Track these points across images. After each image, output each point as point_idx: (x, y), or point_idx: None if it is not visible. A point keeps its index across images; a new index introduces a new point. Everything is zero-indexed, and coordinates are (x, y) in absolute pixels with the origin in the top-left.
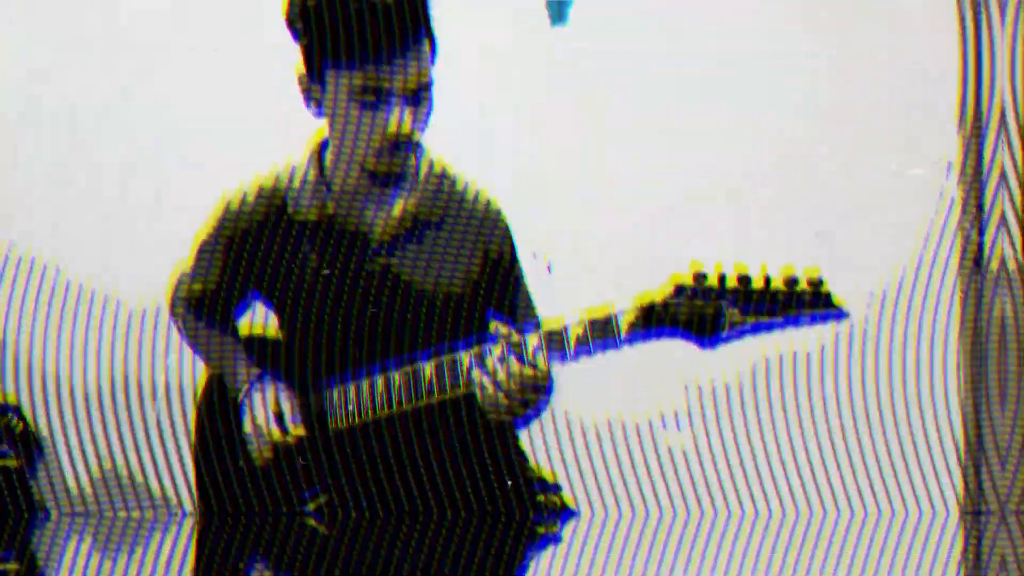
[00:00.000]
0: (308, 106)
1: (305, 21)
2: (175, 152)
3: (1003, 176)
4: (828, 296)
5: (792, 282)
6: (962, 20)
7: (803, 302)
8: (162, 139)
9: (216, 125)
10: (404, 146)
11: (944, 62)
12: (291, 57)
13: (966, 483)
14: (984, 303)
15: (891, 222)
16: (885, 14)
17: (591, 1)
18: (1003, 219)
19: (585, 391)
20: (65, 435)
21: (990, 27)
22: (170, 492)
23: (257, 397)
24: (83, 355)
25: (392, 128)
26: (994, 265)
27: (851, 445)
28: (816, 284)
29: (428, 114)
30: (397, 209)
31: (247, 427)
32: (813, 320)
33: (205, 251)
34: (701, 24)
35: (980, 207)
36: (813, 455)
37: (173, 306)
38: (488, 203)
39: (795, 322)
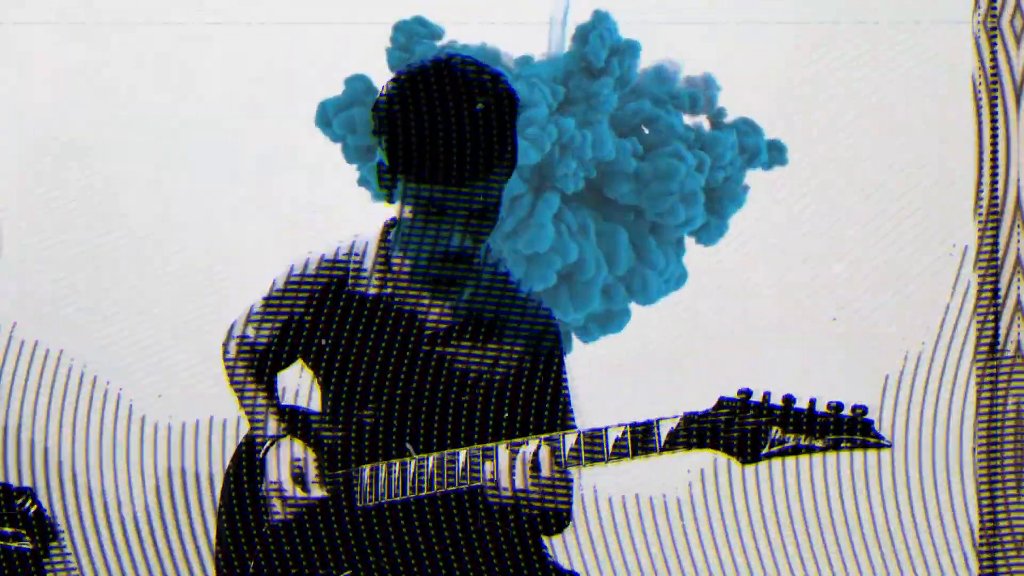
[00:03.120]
0: (380, 193)
1: (389, 123)
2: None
3: (1018, 262)
4: (871, 424)
5: (838, 407)
6: (978, 108)
7: (847, 427)
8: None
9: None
10: (464, 258)
11: (960, 149)
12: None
13: (982, 570)
14: (1000, 389)
15: (907, 308)
16: (903, 100)
17: None
18: (1018, 305)
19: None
20: (82, 523)
21: (1006, 115)
22: None
23: (280, 453)
24: (99, 447)
25: (455, 245)
26: (1010, 351)
27: (867, 531)
28: (862, 411)
29: (493, 227)
30: (451, 301)
31: (266, 484)
32: (853, 447)
33: (264, 306)
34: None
35: (995, 293)
36: (829, 541)
37: (227, 345)
38: (540, 304)
39: (836, 447)
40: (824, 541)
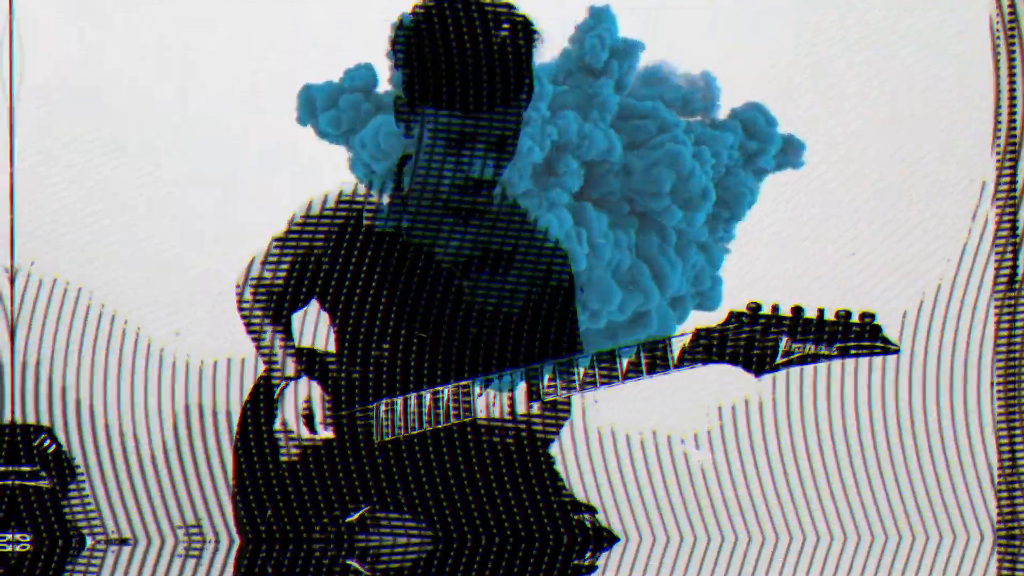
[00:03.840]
0: (398, 125)
1: (408, 55)
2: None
3: None
4: (879, 330)
5: (845, 316)
6: (995, 44)
7: (853, 334)
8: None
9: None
10: (484, 188)
11: (979, 84)
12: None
13: (1000, 506)
14: (1019, 322)
15: (925, 242)
16: (921, 37)
17: None
18: None
19: (618, 408)
20: (99, 460)
21: (1023, 48)
22: (206, 519)
23: (291, 395)
24: (118, 383)
25: (475, 173)
26: None
27: (884, 467)
28: (867, 318)
29: (512, 158)
30: (469, 236)
31: (278, 424)
32: (862, 353)
33: (280, 246)
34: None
35: (1014, 227)
36: (846, 477)
37: (241, 289)
38: (555, 239)
39: (845, 354)
40: (843, 481)
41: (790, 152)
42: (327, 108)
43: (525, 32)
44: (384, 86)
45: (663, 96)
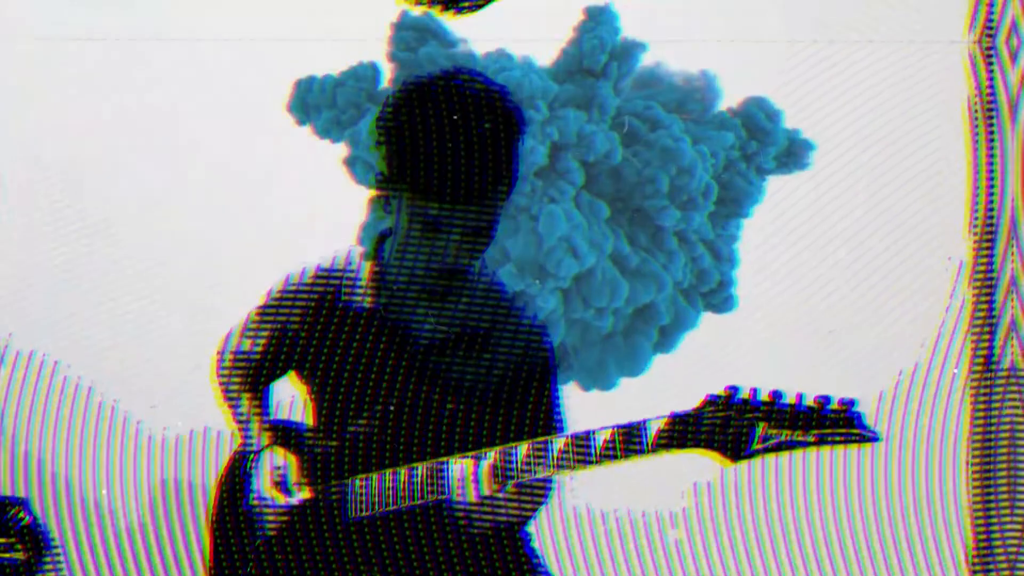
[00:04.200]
0: (378, 200)
1: (389, 138)
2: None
3: (1012, 280)
4: (859, 417)
5: (824, 401)
6: (973, 126)
7: (834, 421)
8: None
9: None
10: (458, 274)
11: (955, 168)
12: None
13: None
14: (994, 406)
15: (901, 323)
16: (898, 118)
17: None
18: (1013, 323)
19: (594, 485)
20: (75, 534)
21: (1000, 133)
22: None
23: (264, 463)
24: (94, 458)
25: (451, 260)
26: (1004, 368)
27: (860, 548)
28: (847, 405)
29: (488, 244)
30: (445, 316)
31: (253, 496)
32: (841, 441)
33: (259, 317)
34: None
35: (990, 310)
36: (821, 558)
37: (220, 357)
38: (532, 318)
39: (823, 442)
40: (816, 556)
41: (797, 152)
42: (325, 102)
43: (510, 124)
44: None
45: (658, 97)
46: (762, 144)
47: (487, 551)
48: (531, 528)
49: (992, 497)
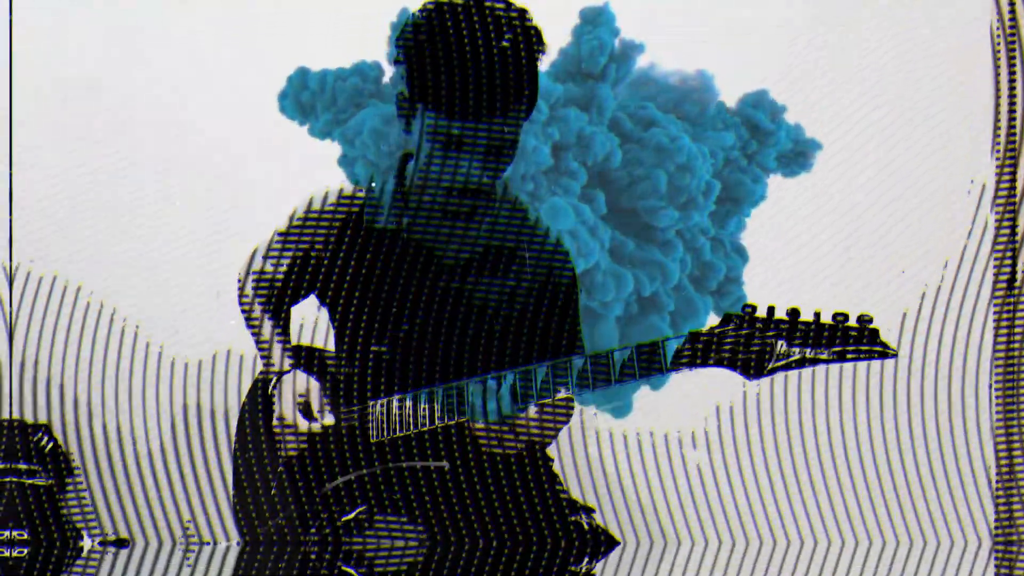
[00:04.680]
0: (400, 119)
1: (410, 57)
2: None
3: None
4: (876, 333)
5: (842, 319)
6: (996, 49)
7: (851, 338)
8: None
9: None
10: (481, 193)
11: (980, 87)
12: None
13: (998, 511)
14: (1018, 326)
15: (925, 244)
16: (922, 35)
17: None
18: None
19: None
20: (96, 458)
21: (1022, 52)
22: (204, 520)
23: (287, 388)
24: (116, 381)
25: (473, 180)
26: None
27: (882, 471)
28: (865, 322)
29: (509, 163)
30: (470, 235)
31: (274, 417)
32: (860, 357)
33: (281, 241)
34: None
35: (1013, 231)
36: (843, 481)
37: (243, 281)
38: (557, 239)
39: (842, 358)
40: (840, 485)
41: (802, 152)
42: (323, 102)
43: (530, 40)
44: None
45: (656, 98)
46: (762, 144)
47: (509, 472)
48: (552, 451)
49: (1015, 419)
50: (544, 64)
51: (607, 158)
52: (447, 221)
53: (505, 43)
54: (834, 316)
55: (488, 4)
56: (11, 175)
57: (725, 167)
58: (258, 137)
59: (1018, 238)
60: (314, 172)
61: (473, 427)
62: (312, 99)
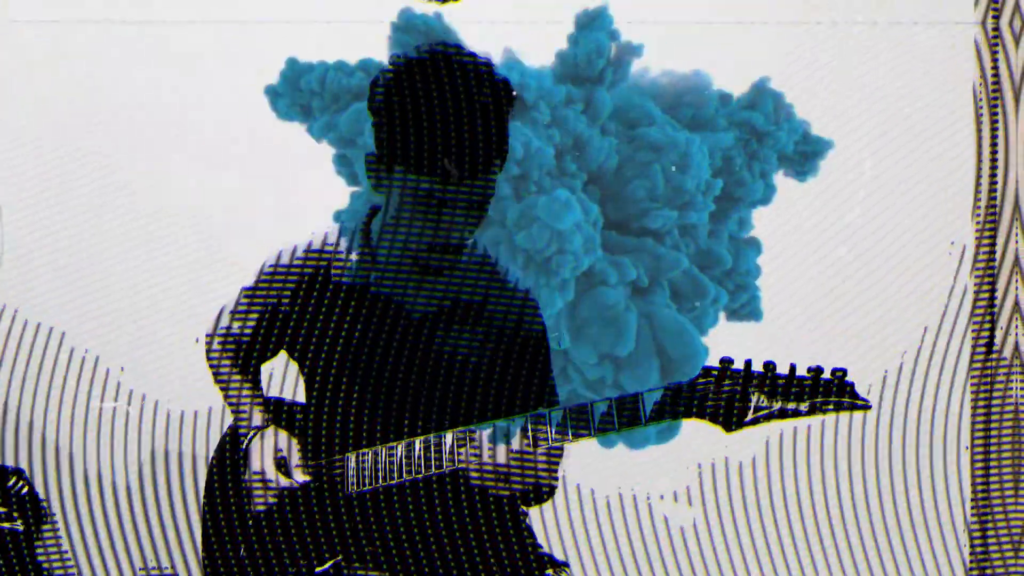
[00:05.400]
0: (369, 178)
1: (385, 114)
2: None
3: (1016, 264)
4: (852, 387)
5: (817, 371)
6: (978, 109)
7: (827, 390)
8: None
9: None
10: (455, 249)
11: (960, 150)
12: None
13: (974, 552)
14: (996, 392)
15: (904, 307)
16: (902, 100)
17: None
18: (1016, 307)
19: (595, 464)
20: (76, 504)
21: (1005, 116)
22: (178, 564)
23: (264, 443)
24: (97, 431)
25: (451, 237)
26: (1007, 353)
27: (862, 525)
28: (841, 375)
29: (483, 218)
30: (439, 290)
31: (249, 474)
32: (835, 409)
33: (248, 298)
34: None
35: (993, 295)
36: (825, 537)
37: (211, 339)
38: (526, 291)
39: (817, 410)
40: (822, 541)
41: (811, 153)
42: (320, 103)
43: (503, 95)
44: None
45: (654, 99)
46: (762, 145)
47: (488, 523)
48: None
49: (996, 484)
50: (539, 63)
51: (604, 161)
52: (415, 276)
53: (484, 97)
54: (808, 369)
55: (456, 58)
56: None
57: (725, 166)
58: (246, 178)
59: (996, 305)
60: (304, 212)
61: (449, 478)
62: (309, 97)
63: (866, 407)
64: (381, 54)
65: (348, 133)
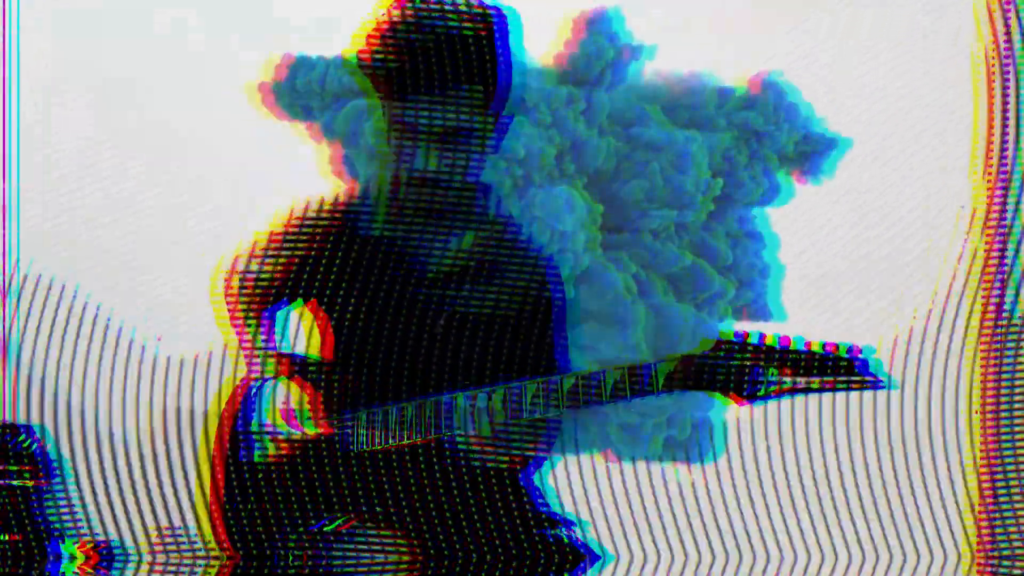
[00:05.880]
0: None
1: (379, 51)
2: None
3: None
4: (867, 363)
5: (832, 348)
6: (989, 74)
7: (841, 367)
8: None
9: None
10: (434, 184)
11: (969, 119)
12: None
13: (980, 534)
14: (1007, 353)
15: (912, 270)
16: (914, 68)
17: None
18: None
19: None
20: (87, 462)
21: (1015, 82)
22: (187, 521)
23: (272, 393)
24: (110, 387)
25: (418, 165)
26: (1016, 316)
27: (865, 489)
28: (854, 352)
29: (472, 158)
30: (455, 245)
31: (257, 424)
32: (849, 387)
33: (271, 242)
34: None
35: (1003, 259)
36: (825, 501)
37: (227, 279)
38: (540, 251)
39: (832, 388)
40: (821, 505)
41: (812, 152)
42: (319, 101)
43: (484, 25)
44: None
45: (653, 100)
46: (761, 145)
47: (488, 487)
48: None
49: (1005, 448)
50: (546, 66)
51: (602, 162)
52: (420, 219)
53: (452, 26)
54: (822, 346)
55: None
56: (6, 182)
57: (724, 166)
58: (259, 150)
59: (1007, 265)
60: (314, 183)
61: (456, 441)
62: (307, 93)
63: (879, 386)
64: None
65: (347, 130)
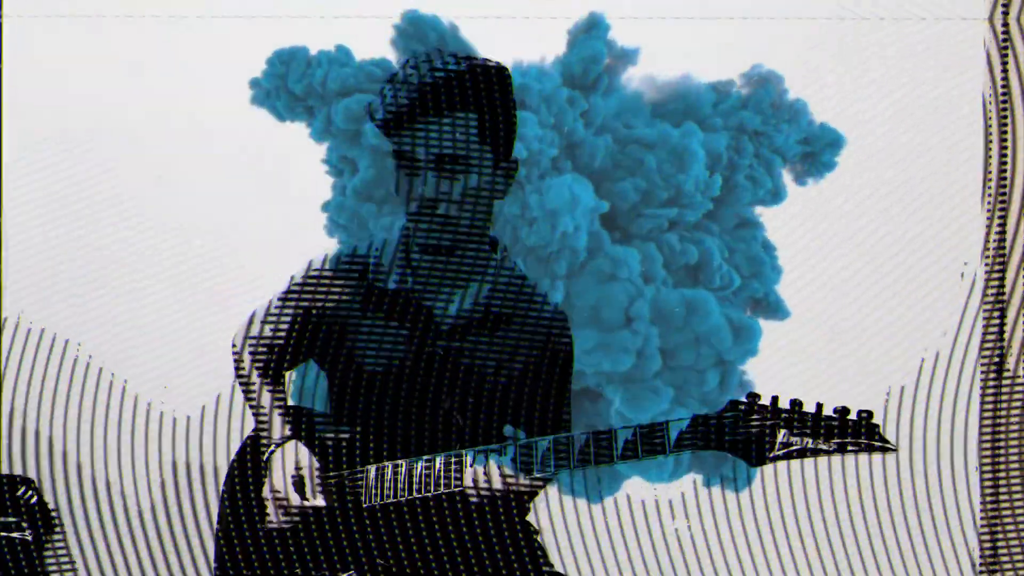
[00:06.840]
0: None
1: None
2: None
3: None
4: (876, 428)
5: (843, 411)
6: (986, 113)
7: (853, 431)
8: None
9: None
10: (440, 219)
11: (974, 157)
12: None
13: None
14: (1004, 405)
15: (914, 325)
16: (912, 98)
17: None
18: None
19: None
20: (86, 514)
21: (1012, 121)
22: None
23: (284, 458)
24: (104, 439)
25: (429, 194)
26: (1016, 373)
27: (863, 547)
28: (866, 416)
29: (474, 191)
30: (470, 296)
31: (267, 489)
32: (859, 450)
33: (281, 303)
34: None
35: (1002, 324)
36: (825, 555)
37: (239, 345)
38: (556, 305)
39: (842, 451)
40: (833, 551)
41: (813, 152)
42: (319, 101)
43: (483, 73)
44: None
45: (651, 103)
46: (760, 145)
47: (501, 541)
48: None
49: (1003, 502)
50: (547, 66)
51: (599, 163)
52: (428, 259)
53: (449, 65)
54: (835, 408)
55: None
56: (0, 226)
57: (720, 166)
58: (257, 194)
59: (1006, 328)
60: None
61: (466, 495)
62: (304, 92)
63: (891, 449)
64: (383, 52)
65: (348, 126)
